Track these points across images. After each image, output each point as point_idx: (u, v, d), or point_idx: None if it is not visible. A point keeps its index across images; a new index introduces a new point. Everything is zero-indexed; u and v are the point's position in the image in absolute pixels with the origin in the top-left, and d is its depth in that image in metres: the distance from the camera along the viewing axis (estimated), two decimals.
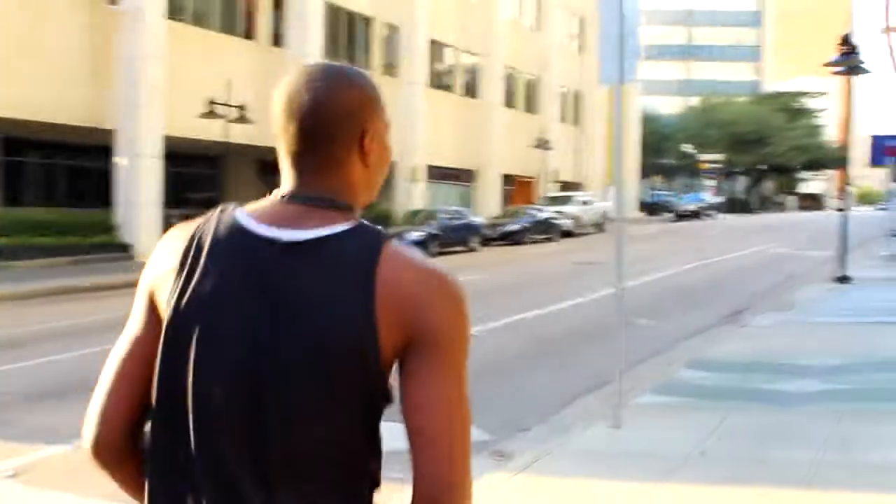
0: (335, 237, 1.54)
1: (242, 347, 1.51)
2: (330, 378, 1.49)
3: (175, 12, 27.58)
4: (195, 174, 31.31)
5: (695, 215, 63.62)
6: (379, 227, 1.60)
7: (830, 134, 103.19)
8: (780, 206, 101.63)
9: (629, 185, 67.24)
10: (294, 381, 1.49)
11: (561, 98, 54.71)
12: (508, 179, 49.16)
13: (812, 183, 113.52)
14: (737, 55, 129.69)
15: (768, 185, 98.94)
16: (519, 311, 15.05)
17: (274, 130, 1.64)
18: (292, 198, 1.60)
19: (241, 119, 26.21)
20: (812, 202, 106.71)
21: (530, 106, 51.60)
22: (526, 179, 50.78)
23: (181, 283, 1.56)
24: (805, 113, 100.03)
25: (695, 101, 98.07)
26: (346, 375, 1.49)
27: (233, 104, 26.20)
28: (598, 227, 44.46)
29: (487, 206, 44.22)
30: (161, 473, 1.58)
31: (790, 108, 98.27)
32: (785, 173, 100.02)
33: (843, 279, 17.98)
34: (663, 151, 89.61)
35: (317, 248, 1.53)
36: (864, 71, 18.40)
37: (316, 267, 1.52)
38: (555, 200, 43.67)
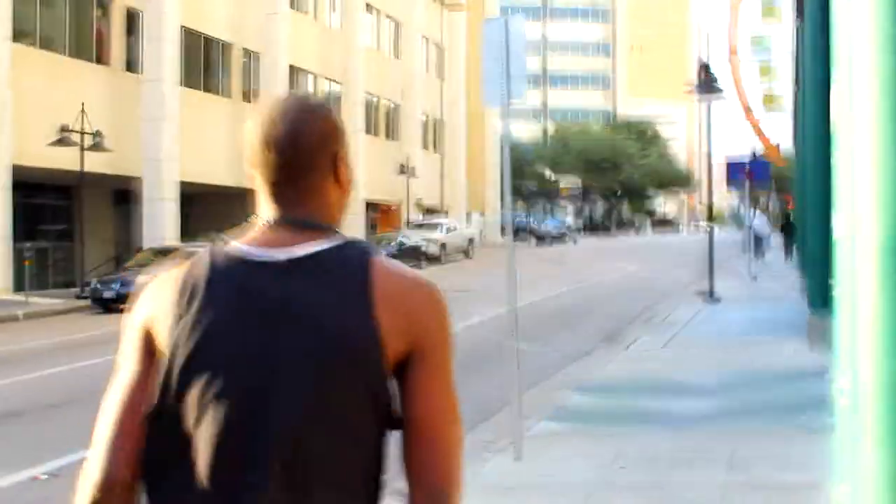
0: (326, 252, 1.65)
1: (253, 366, 1.59)
2: (340, 386, 1.58)
3: (20, 36, 26.23)
4: (47, 205, 29.86)
5: (556, 239, 64.52)
6: (365, 242, 1.72)
7: (680, 158, 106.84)
8: (636, 229, 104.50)
9: (491, 210, 68.01)
10: (305, 391, 1.57)
11: (423, 125, 54.82)
12: (373, 206, 48.87)
13: (665, 206, 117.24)
14: (590, 83, 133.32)
15: (624, 208, 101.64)
16: None
17: (249, 162, 1.75)
18: (278, 223, 1.70)
19: (96, 147, 25.09)
20: (666, 224, 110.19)
21: (392, 133, 51.52)
22: (390, 206, 50.60)
23: (187, 317, 1.61)
24: (656, 139, 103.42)
25: (551, 127, 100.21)
26: (355, 382, 1.59)
27: (87, 131, 25.08)
28: (465, 253, 44.56)
29: (352, 233, 43.76)
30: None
31: (642, 133, 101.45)
32: (640, 197, 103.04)
33: (713, 299, 18.30)
34: (523, 176, 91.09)
35: (311, 264, 1.63)
36: (722, 97, 18.88)
37: (313, 281, 1.62)
38: (421, 227, 43.55)
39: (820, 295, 11.19)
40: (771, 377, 9.53)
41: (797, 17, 17.53)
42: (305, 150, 1.71)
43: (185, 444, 1.59)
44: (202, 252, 1.71)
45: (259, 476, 1.56)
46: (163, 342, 1.63)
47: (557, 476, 6.53)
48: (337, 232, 1.73)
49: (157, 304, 1.67)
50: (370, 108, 48.29)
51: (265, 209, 1.74)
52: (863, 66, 3.42)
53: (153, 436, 1.62)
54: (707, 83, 16.93)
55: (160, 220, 29.90)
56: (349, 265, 1.64)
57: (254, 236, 1.71)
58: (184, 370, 1.60)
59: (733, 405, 8.29)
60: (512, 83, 7.41)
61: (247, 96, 37.92)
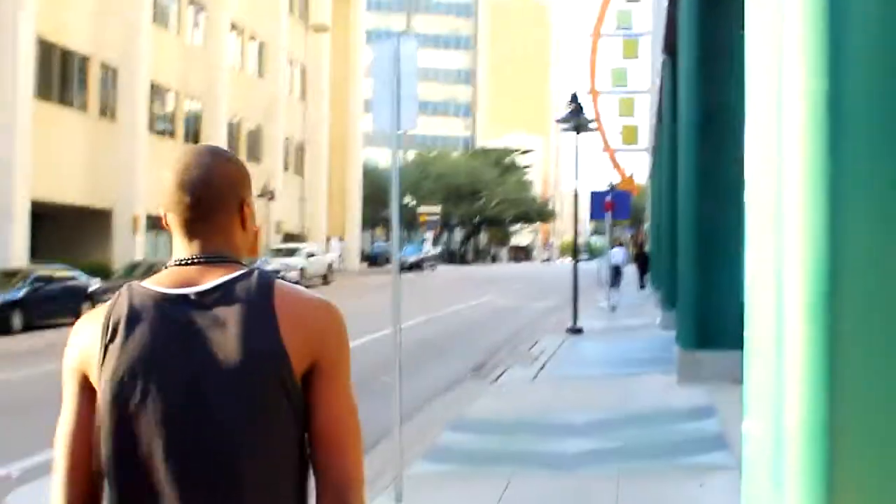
0: (232, 281, 1.83)
1: (178, 389, 1.75)
2: (259, 399, 1.75)
3: None
4: None
5: (416, 267, 64.36)
6: (266, 271, 1.90)
7: (537, 189, 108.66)
8: (494, 258, 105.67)
9: (352, 236, 67.58)
10: (228, 408, 1.74)
11: (285, 147, 54.06)
12: None
13: (522, 235, 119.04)
14: (451, 111, 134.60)
15: (483, 237, 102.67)
16: None
17: (164, 205, 1.90)
18: (189, 262, 1.87)
19: None
20: (522, 253, 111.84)
21: (254, 154, 50.60)
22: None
23: (113, 351, 1.77)
24: (514, 168, 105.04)
25: (411, 154, 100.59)
26: (272, 398, 1.76)
27: None
28: (325, 279, 44.04)
29: None
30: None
31: (501, 163, 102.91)
32: (497, 226, 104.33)
33: (576, 331, 18.43)
34: (384, 202, 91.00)
35: (218, 295, 1.80)
36: (592, 129, 19.14)
37: (222, 309, 1.79)
38: (280, 252, 42.81)
39: (692, 334, 11.31)
40: (647, 415, 9.53)
41: (664, 51, 17.93)
42: (215, 191, 1.89)
43: (124, 485, 1.77)
44: (120, 292, 1.87)
45: (195, 489, 1.74)
46: (94, 377, 1.80)
47: None
48: (241, 264, 1.91)
49: (86, 343, 1.84)
50: (232, 129, 47.34)
51: (178, 248, 1.91)
52: (791, 96, 3.35)
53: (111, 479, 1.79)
54: (577, 115, 17.13)
55: (7, 239, 28.46)
56: (253, 292, 1.82)
57: (165, 276, 1.88)
58: (116, 398, 1.76)
59: (612, 445, 8.21)
60: (403, 108, 7.20)
61: (105, 112, 36.60)
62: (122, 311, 1.81)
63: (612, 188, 32.42)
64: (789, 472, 3.59)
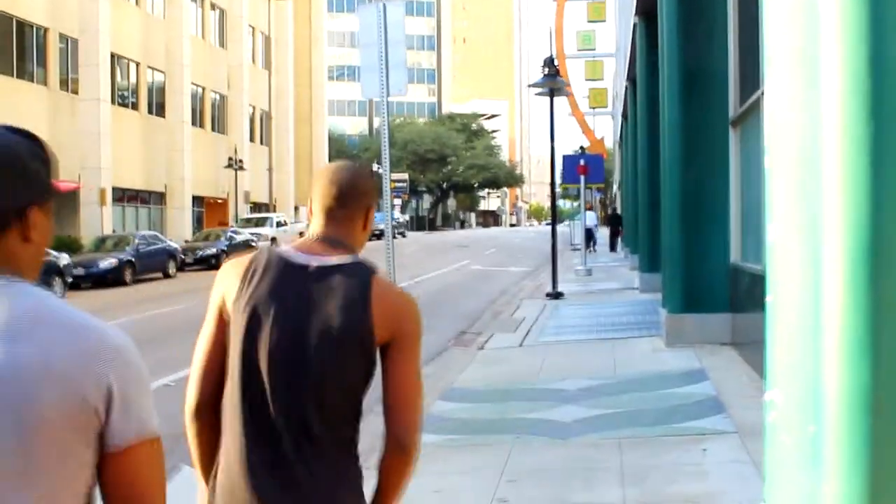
0: (344, 265, 2.43)
1: (289, 331, 2.35)
2: (343, 355, 2.35)
3: None
4: None
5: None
6: (371, 263, 2.46)
7: (504, 154, 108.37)
8: (462, 223, 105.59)
9: None
10: (320, 357, 2.34)
11: (250, 117, 53.50)
12: (199, 201, 47.37)
13: (490, 200, 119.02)
14: (416, 77, 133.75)
15: (451, 203, 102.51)
16: None
17: (313, 192, 2.53)
18: (320, 239, 2.49)
19: None
20: (491, 218, 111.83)
21: (219, 125, 50.06)
22: (217, 201, 49.15)
23: (247, 292, 2.39)
24: (481, 134, 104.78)
25: (377, 120, 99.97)
26: (353, 354, 2.36)
27: None
28: None
29: (179, 228, 42.31)
30: (234, 431, 2.38)
31: (468, 128, 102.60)
32: (466, 191, 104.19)
33: (556, 295, 18.38)
34: None
35: (333, 272, 2.41)
36: (566, 92, 18.99)
37: (333, 284, 2.38)
38: (250, 222, 42.48)
39: (679, 297, 11.28)
40: (639, 379, 9.48)
41: (637, 14, 17.79)
42: (353, 191, 2.51)
43: (241, 391, 2.37)
44: (262, 249, 2.52)
45: (300, 417, 2.34)
46: (229, 306, 2.42)
47: (444, 496, 6.20)
48: (354, 252, 2.51)
49: (228, 282, 2.46)
50: (196, 99, 46.75)
51: (314, 226, 2.53)
52: (828, 61, 3.24)
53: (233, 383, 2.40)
54: (552, 79, 16.97)
55: None
56: (357, 277, 2.41)
57: (299, 244, 2.51)
58: (245, 324, 2.37)
59: (609, 411, 8.15)
60: (391, 74, 7.04)
61: (66, 84, 35.98)
62: (260, 265, 2.43)
63: (583, 151, 32.36)
64: (829, 443, 3.55)
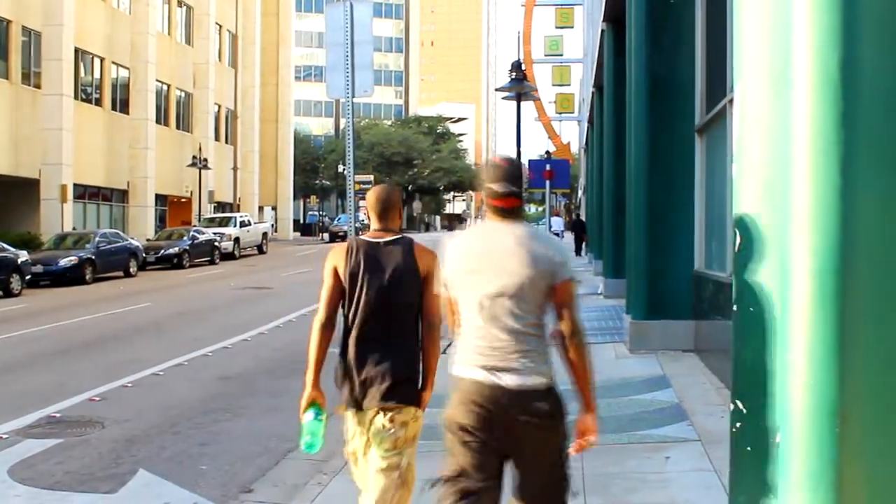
0: (396, 240, 4.39)
1: (378, 281, 4.28)
2: (408, 287, 4.29)
3: None
4: None
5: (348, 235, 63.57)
6: (409, 236, 4.44)
7: (471, 157, 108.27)
8: (428, 226, 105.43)
9: (285, 206, 66.82)
10: (396, 289, 4.28)
11: (215, 115, 53.09)
12: (162, 199, 46.94)
13: (456, 203, 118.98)
14: (383, 79, 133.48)
15: (416, 205, 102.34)
16: (197, 346, 13.72)
17: (369, 205, 4.42)
18: (380, 230, 4.42)
19: None
20: (456, 221, 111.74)
21: (184, 123, 49.61)
22: (181, 199, 48.73)
23: (350, 260, 4.32)
24: (448, 137, 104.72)
25: (343, 122, 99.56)
26: (411, 285, 4.29)
27: None
28: (259, 248, 43.50)
29: (142, 227, 41.88)
30: (347, 337, 4.33)
31: (434, 131, 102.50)
32: (431, 194, 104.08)
33: None
34: (315, 171, 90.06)
35: (391, 244, 4.36)
36: (534, 97, 18.99)
37: (393, 249, 4.34)
38: (213, 221, 42.11)
39: (643, 304, 11.29)
40: (603, 385, 9.40)
41: (605, 20, 17.83)
42: (391, 202, 4.46)
43: (353, 313, 4.31)
44: (352, 238, 4.46)
45: (385, 321, 4.27)
46: (341, 273, 4.33)
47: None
48: (400, 231, 4.45)
49: (338, 257, 4.36)
50: (161, 97, 46.32)
51: (373, 224, 4.43)
52: (800, 66, 3.22)
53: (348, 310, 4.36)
54: (520, 84, 16.94)
55: None
56: (404, 244, 4.35)
57: (370, 234, 4.41)
58: (348, 290, 4.31)
59: (570, 417, 8.08)
60: (358, 74, 6.97)
61: (28, 78, 35.49)
62: (354, 245, 4.35)
63: (549, 156, 32.41)
64: (795, 453, 3.51)
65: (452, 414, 3.66)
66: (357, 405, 4.29)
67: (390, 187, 4.58)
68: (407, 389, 4.28)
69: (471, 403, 3.60)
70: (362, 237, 4.36)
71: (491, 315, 3.61)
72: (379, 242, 4.32)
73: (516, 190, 3.61)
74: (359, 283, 4.26)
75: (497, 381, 3.60)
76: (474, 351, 3.64)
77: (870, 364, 3.19)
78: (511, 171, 3.65)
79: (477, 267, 3.66)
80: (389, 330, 4.25)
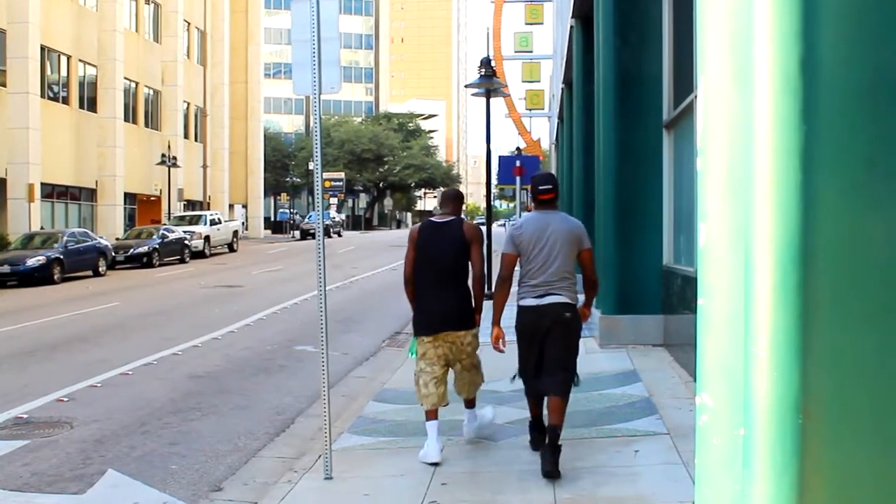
0: (452, 220, 7.20)
1: (441, 250, 7.03)
2: (457, 253, 7.00)
3: None
4: None
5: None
6: (461, 217, 7.39)
7: (441, 154, 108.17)
8: (399, 223, 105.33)
9: (256, 204, 66.51)
10: (451, 254, 7.00)
11: (184, 113, 52.75)
12: (131, 198, 46.59)
13: (427, 200, 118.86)
14: (353, 76, 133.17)
15: (388, 202, 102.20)
16: (167, 346, 13.65)
17: (439, 202, 7.78)
18: (442, 214, 7.36)
19: None
20: (425, 216, 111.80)
21: (153, 121, 49.28)
22: (150, 198, 48.40)
23: (420, 235, 7.17)
24: (418, 134, 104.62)
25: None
26: (461, 250, 7.01)
27: None
28: (230, 246, 43.29)
29: (111, 226, 41.56)
30: (422, 286, 7.11)
31: (405, 128, 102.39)
32: (402, 191, 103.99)
33: (491, 296, 18.33)
34: (286, 169, 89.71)
35: (449, 224, 7.15)
36: (504, 94, 19.01)
37: (451, 227, 7.11)
38: (183, 220, 41.85)
39: (613, 299, 11.34)
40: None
41: (574, 17, 17.86)
42: (451, 199, 7.46)
43: (420, 277, 7.11)
44: (424, 221, 7.41)
45: (446, 282, 6.99)
46: (416, 244, 7.12)
47: (376, 498, 6.14)
48: (456, 215, 7.30)
49: (414, 233, 7.25)
50: (129, 94, 45.96)
51: (439, 209, 7.54)
52: (761, 63, 3.23)
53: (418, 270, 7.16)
54: (489, 80, 16.95)
55: None
56: (457, 223, 7.14)
57: (437, 216, 7.32)
58: (420, 255, 7.08)
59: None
60: (324, 71, 6.95)
61: None
62: (425, 225, 7.22)
63: (520, 152, 32.46)
64: (758, 446, 3.55)
65: (521, 326, 6.66)
66: (436, 331, 6.93)
67: (453, 190, 7.65)
68: (467, 318, 6.98)
69: (532, 314, 6.53)
70: (430, 219, 7.27)
71: (545, 266, 6.45)
72: (441, 223, 7.06)
73: (552, 188, 6.64)
74: (428, 250, 6.96)
75: (549, 301, 6.44)
76: (536, 286, 6.48)
77: (832, 358, 3.22)
78: (549, 177, 6.90)
79: (539, 237, 6.46)
80: (449, 282, 6.88)
